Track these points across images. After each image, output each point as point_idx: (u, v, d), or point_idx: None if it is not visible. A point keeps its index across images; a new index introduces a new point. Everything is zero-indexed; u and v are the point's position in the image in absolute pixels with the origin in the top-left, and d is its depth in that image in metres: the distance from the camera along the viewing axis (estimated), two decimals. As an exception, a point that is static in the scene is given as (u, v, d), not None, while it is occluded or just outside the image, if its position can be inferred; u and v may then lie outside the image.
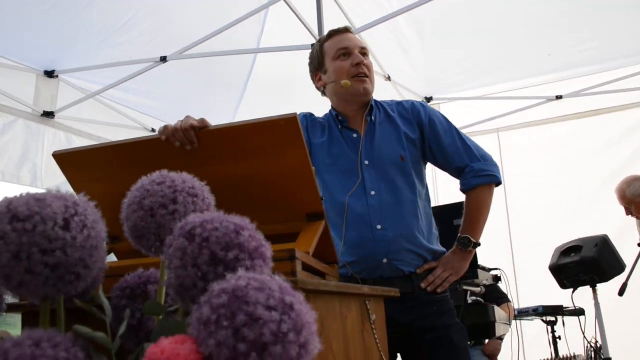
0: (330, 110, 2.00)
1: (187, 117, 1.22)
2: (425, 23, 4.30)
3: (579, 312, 3.56)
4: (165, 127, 1.21)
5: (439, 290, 1.83)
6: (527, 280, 4.76)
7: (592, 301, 3.15)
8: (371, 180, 1.85)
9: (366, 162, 1.87)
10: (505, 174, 5.24)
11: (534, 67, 4.70)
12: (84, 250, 0.62)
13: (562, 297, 3.59)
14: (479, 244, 1.91)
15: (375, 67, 4.46)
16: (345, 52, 1.89)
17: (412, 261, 1.82)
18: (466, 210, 1.93)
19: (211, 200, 0.78)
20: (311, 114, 2.02)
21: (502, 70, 4.79)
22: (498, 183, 1.94)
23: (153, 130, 4.77)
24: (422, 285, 1.82)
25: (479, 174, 1.90)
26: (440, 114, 2.00)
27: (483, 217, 1.91)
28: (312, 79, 2.04)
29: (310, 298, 0.92)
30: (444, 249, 1.93)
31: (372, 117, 1.93)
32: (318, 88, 2.02)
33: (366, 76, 1.88)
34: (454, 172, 1.96)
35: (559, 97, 4.87)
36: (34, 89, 4.00)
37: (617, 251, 3.19)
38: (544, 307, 3.75)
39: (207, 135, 1.17)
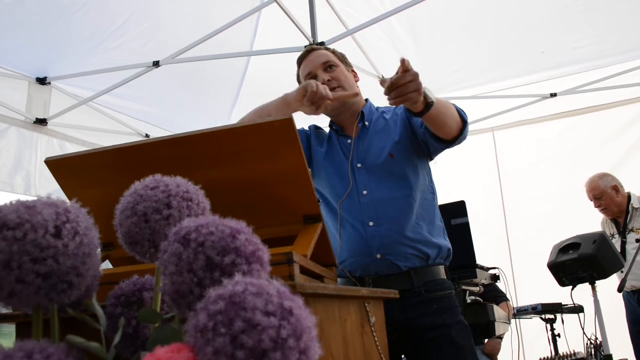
0: (329, 121, 2.07)
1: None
2: (418, 23, 4.30)
3: (578, 309, 3.56)
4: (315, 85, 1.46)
5: (398, 100, 1.60)
6: (526, 278, 4.76)
7: (592, 298, 3.14)
8: (362, 181, 1.88)
9: (358, 165, 1.91)
10: (501, 172, 5.29)
11: (528, 65, 4.70)
12: (76, 258, 0.60)
13: (560, 294, 3.58)
14: (432, 103, 1.71)
15: (368, 68, 4.50)
16: (311, 77, 1.94)
17: (409, 256, 1.80)
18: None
19: (206, 205, 0.77)
20: (316, 126, 2.11)
21: (496, 69, 4.79)
22: (464, 121, 1.78)
23: (147, 135, 4.75)
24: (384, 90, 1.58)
25: None
26: None
27: (449, 111, 1.74)
28: None
29: (309, 302, 0.90)
30: (449, 245, 1.91)
31: (366, 123, 1.98)
32: None
33: (335, 88, 1.89)
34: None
35: (553, 95, 4.88)
36: (26, 96, 3.98)
37: (615, 248, 3.19)
38: (543, 305, 3.75)
39: (201, 138, 1.15)
